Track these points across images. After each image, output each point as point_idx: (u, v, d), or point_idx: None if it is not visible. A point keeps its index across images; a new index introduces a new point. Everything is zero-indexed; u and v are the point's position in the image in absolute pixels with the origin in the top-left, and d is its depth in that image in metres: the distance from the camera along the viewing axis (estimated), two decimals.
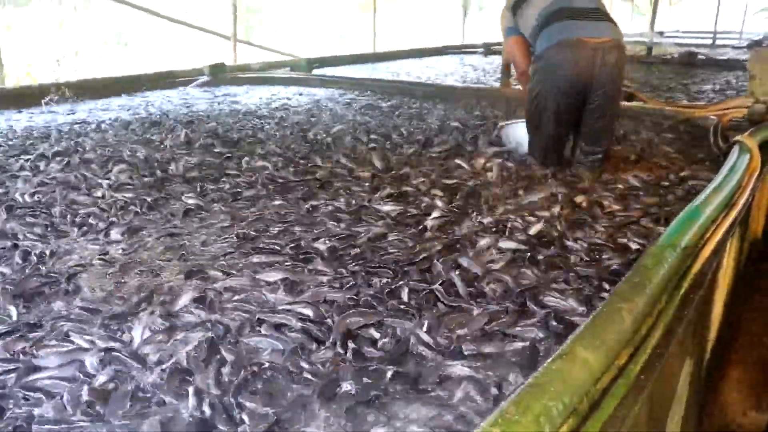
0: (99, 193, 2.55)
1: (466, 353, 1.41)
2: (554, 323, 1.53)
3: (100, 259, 1.93)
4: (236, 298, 1.66)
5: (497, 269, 1.84)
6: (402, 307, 1.61)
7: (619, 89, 3.07)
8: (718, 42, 12.69)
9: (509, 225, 2.19)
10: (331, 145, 3.46)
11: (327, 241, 2.03)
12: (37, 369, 1.36)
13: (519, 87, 3.89)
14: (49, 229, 2.18)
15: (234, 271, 1.81)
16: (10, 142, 3.48)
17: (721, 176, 2.21)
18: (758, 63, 3.80)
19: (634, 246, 2.03)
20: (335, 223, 2.22)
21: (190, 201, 2.46)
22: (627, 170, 2.96)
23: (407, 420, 1.20)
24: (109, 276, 1.82)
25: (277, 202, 2.47)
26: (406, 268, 1.82)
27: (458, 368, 1.35)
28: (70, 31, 11.09)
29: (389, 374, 1.32)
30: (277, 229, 2.17)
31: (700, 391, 2.01)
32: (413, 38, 13.40)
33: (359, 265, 1.84)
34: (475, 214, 2.33)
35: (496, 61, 7.70)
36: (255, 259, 1.91)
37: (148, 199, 2.46)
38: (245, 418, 1.20)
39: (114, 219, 2.28)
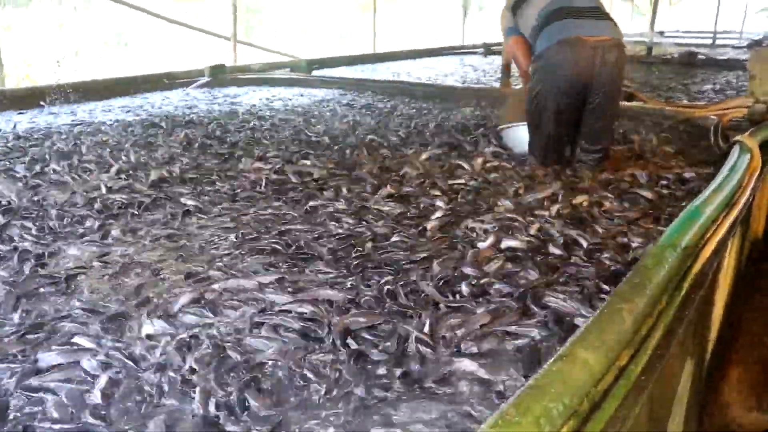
0: (98, 194, 2.54)
1: (466, 353, 1.41)
2: (554, 323, 1.52)
3: (99, 260, 1.93)
4: (236, 298, 1.66)
5: (497, 269, 1.84)
6: (402, 307, 1.60)
7: (619, 88, 3.07)
8: (718, 42, 12.70)
9: (509, 225, 2.19)
10: (331, 145, 3.46)
11: (327, 242, 2.02)
12: (38, 371, 1.35)
13: (519, 87, 3.89)
14: (48, 230, 2.18)
15: (234, 272, 1.81)
16: (11, 144, 3.48)
17: (721, 176, 2.20)
18: (758, 63, 3.80)
19: (634, 246, 2.03)
20: (335, 224, 2.22)
21: (190, 202, 2.46)
22: (627, 170, 2.95)
23: (409, 420, 1.19)
24: (109, 277, 1.81)
25: (276, 203, 2.47)
26: (406, 268, 1.82)
27: (459, 366, 1.35)
28: (70, 31, 11.09)
29: (390, 374, 1.32)
30: (276, 229, 2.16)
31: (700, 391, 2.00)
32: (413, 38, 13.40)
33: (360, 266, 1.84)
34: (475, 214, 2.32)
35: (496, 61, 7.69)
36: (255, 259, 1.91)
37: (148, 200, 2.46)
38: (248, 418, 1.20)
39: (113, 220, 2.28)
